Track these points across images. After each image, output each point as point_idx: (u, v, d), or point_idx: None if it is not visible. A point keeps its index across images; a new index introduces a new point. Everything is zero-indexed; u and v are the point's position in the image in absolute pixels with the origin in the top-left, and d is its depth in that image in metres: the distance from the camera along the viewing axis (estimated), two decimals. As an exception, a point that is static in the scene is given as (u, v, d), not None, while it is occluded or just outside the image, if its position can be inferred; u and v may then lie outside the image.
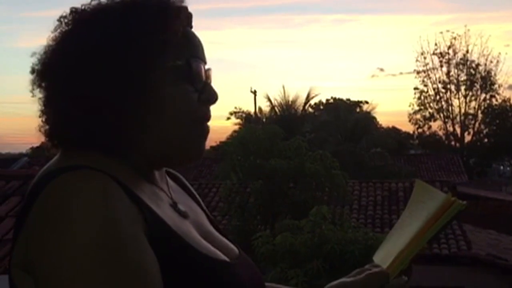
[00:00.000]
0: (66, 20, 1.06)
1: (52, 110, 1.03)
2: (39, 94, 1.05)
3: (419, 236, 1.17)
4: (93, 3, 1.06)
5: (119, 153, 1.02)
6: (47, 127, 1.04)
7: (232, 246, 1.18)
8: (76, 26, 1.04)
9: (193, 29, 1.12)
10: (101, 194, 0.90)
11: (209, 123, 1.11)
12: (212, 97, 1.10)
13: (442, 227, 1.17)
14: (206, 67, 1.11)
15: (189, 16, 1.10)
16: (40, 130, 1.05)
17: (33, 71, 1.05)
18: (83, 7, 1.06)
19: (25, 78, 1.07)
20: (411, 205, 1.27)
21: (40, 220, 0.89)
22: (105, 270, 0.86)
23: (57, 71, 1.02)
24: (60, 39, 1.05)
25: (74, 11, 1.06)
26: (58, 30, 1.06)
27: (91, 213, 0.87)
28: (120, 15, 1.03)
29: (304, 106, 29.29)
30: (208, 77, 1.11)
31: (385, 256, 1.22)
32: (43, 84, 1.04)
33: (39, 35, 1.07)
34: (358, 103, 38.11)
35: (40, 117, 1.05)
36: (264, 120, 28.55)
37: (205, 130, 1.10)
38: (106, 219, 0.88)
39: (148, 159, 1.06)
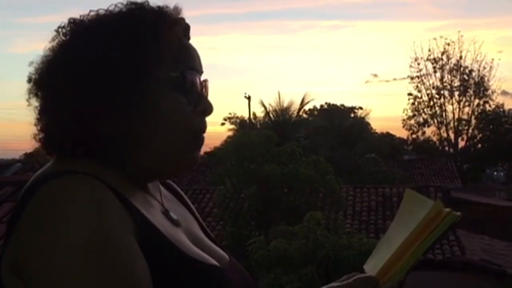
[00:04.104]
0: (64, 31, 1.07)
1: (47, 119, 1.04)
2: (35, 102, 1.06)
3: (411, 245, 1.16)
4: (92, 14, 1.08)
5: (112, 163, 1.03)
6: (42, 135, 1.05)
7: (222, 252, 1.19)
8: (73, 37, 1.06)
9: (190, 40, 1.13)
10: (93, 198, 0.91)
11: (205, 134, 1.12)
12: (207, 109, 1.11)
13: (437, 239, 1.16)
14: (203, 78, 1.12)
15: (186, 28, 1.12)
16: (35, 138, 1.06)
17: (29, 80, 1.06)
18: (81, 18, 1.07)
19: (19, 84, 1.09)
20: (401, 214, 1.26)
21: (32, 223, 0.90)
22: (95, 273, 0.87)
23: (53, 82, 1.03)
24: (58, 49, 1.06)
25: (72, 22, 1.07)
26: (56, 41, 1.07)
27: (83, 217, 0.88)
28: (115, 28, 1.04)
29: (298, 112, 29.28)
30: (204, 88, 1.12)
31: (375, 265, 1.22)
32: (39, 94, 1.05)
33: (34, 41, 1.09)
34: (352, 109, 38.18)
35: (35, 125, 1.06)
36: (258, 125, 28.52)
37: (200, 141, 1.11)
38: (97, 223, 0.89)
39: (141, 169, 1.07)
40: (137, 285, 0.90)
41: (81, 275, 0.86)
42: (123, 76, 1.00)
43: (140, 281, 0.91)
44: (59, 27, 1.07)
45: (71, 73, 1.01)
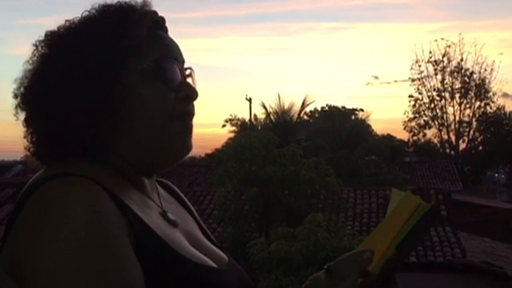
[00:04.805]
0: (42, 44, 1.10)
1: (35, 130, 1.07)
2: (22, 116, 1.08)
3: (383, 239, 1.13)
4: (67, 24, 1.10)
5: (102, 160, 1.05)
6: (32, 147, 1.08)
7: (222, 254, 1.19)
8: (49, 49, 1.09)
9: (168, 32, 1.15)
10: (86, 199, 0.92)
11: (193, 120, 1.13)
12: (190, 93, 1.11)
13: (411, 232, 1.12)
14: (187, 66, 1.14)
15: (158, 20, 1.13)
16: (27, 150, 1.09)
17: (15, 96, 1.09)
18: (57, 29, 1.10)
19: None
20: (387, 214, 1.24)
21: (27, 225, 0.92)
22: (88, 274, 0.87)
23: (36, 94, 1.06)
24: (37, 62, 1.09)
25: (48, 34, 1.10)
26: (36, 54, 1.10)
27: (77, 218, 0.89)
28: (86, 32, 1.07)
29: (299, 114, 29.29)
30: (189, 75, 1.14)
31: None
32: (25, 107, 1.08)
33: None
34: (353, 111, 38.20)
35: (25, 137, 1.08)
36: (259, 127, 28.53)
37: (187, 127, 1.11)
38: (91, 224, 0.90)
39: (130, 163, 1.08)
40: (130, 285, 0.90)
41: (75, 275, 0.87)
42: (94, 75, 1.03)
43: (133, 282, 0.91)
44: (36, 41, 1.10)
45: (51, 83, 1.04)
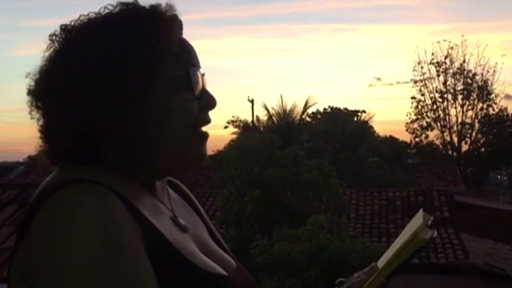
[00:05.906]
0: (57, 38, 1.05)
1: (50, 130, 1.03)
2: (36, 114, 1.04)
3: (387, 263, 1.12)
4: (82, 18, 1.06)
5: (122, 167, 1.02)
6: (47, 146, 1.04)
7: (230, 259, 1.18)
8: (68, 44, 1.04)
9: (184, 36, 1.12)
10: (101, 208, 0.90)
11: (208, 128, 1.11)
12: (212, 102, 1.10)
13: (402, 263, 1.12)
14: (201, 72, 1.11)
15: (180, 24, 1.10)
16: (40, 150, 1.05)
17: (29, 92, 1.05)
18: (74, 24, 1.05)
19: (24, 86, 1.06)
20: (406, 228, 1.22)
21: (42, 233, 0.90)
22: (103, 284, 0.86)
23: (53, 91, 1.01)
24: (54, 58, 1.04)
25: (64, 29, 1.05)
26: (51, 49, 1.05)
27: (91, 227, 0.88)
28: (113, 31, 1.02)
29: (301, 115, 29.35)
30: (204, 82, 1.12)
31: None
32: (39, 105, 1.03)
33: (39, 44, 1.06)
34: (355, 112, 38.16)
35: (40, 137, 1.04)
36: (261, 129, 28.55)
37: (206, 135, 1.10)
38: (105, 233, 0.88)
39: (153, 171, 1.06)
40: None
41: (89, 286, 0.86)
42: (127, 78, 0.99)
43: None
44: (52, 35, 1.05)
45: (69, 82, 0.99)
